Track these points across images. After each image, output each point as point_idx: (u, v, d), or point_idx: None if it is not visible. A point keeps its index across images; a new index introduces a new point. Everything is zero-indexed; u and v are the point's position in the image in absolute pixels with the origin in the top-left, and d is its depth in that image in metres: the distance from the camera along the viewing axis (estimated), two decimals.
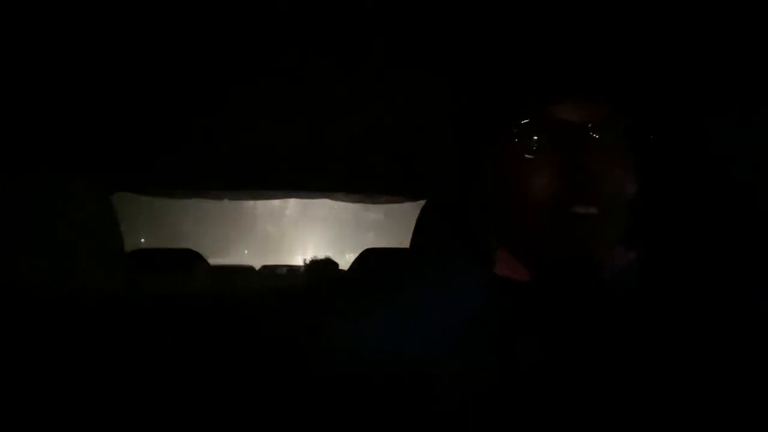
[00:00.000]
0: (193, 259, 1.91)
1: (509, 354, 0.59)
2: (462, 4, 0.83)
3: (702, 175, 0.92)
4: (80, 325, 0.89)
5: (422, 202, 1.48)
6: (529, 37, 0.71)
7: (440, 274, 0.70)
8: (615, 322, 0.60)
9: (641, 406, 0.56)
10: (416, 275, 0.74)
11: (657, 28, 0.85)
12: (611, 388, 0.57)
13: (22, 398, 0.76)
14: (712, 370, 0.57)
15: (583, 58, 0.64)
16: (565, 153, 0.61)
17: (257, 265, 3.98)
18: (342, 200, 2.22)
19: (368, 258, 1.94)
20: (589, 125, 0.61)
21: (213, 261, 2.27)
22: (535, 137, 0.62)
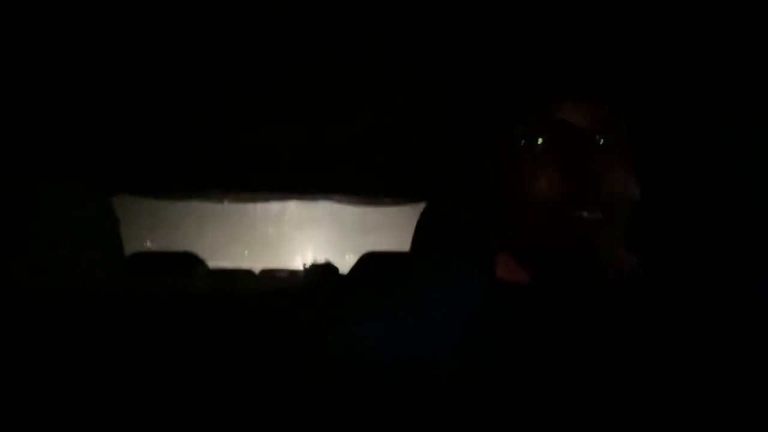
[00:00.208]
0: (192, 261, 1.91)
1: (510, 357, 0.59)
2: (462, 4, 0.83)
3: (702, 176, 0.92)
4: (80, 326, 0.89)
5: (422, 205, 1.48)
6: (530, 38, 0.71)
7: (440, 276, 0.70)
8: (616, 324, 0.60)
9: (642, 407, 0.56)
10: (416, 278, 0.74)
11: (658, 29, 0.85)
12: (612, 390, 0.57)
13: (22, 398, 0.76)
14: (712, 371, 0.57)
15: (584, 60, 0.64)
16: (566, 155, 0.61)
17: (257, 269, 3.98)
18: (342, 203, 2.22)
19: (368, 261, 1.94)
20: (591, 127, 0.61)
21: (212, 264, 2.26)
22: (536, 139, 0.62)
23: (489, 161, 0.68)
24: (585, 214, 0.59)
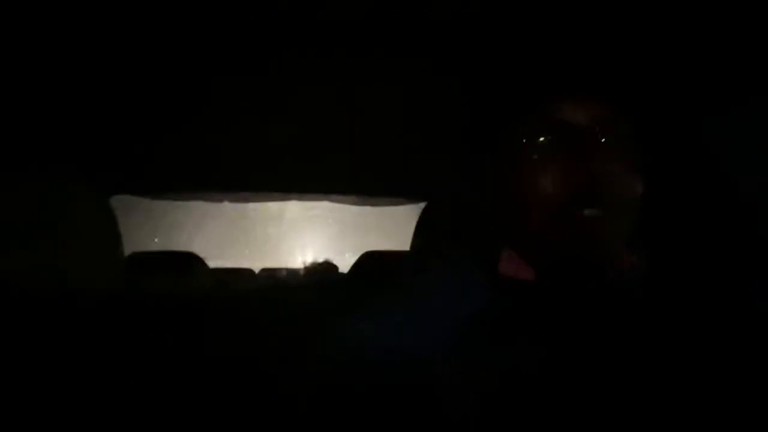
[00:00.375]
0: (192, 261, 1.91)
1: (511, 355, 0.59)
2: (464, 3, 0.83)
3: (704, 176, 0.92)
4: (80, 327, 0.89)
5: (423, 204, 1.48)
6: (533, 38, 0.71)
7: (441, 276, 0.70)
8: (618, 323, 0.60)
9: (643, 405, 0.56)
10: (417, 277, 0.74)
11: (661, 30, 0.85)
12: (613, 389, 0.57)
13: (21, 398, 0.76)
14: (713, 370, 0.57)
15: (586, 59, 0.64)
16: (569, 154, 0.61)
17: (257, 268, 3.98)
18: (342, 202, 2.21)
19: (368, 261, 1.94)
20: (592, 126, 0.61)
21: (213, 263, 2.26)
22: (539, 138, 0.62)
23: (491, 160, 0.68)
24: (587, 212, 0.60)
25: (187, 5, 0.83)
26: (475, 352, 0.60)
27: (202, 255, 1.97)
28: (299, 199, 2.31)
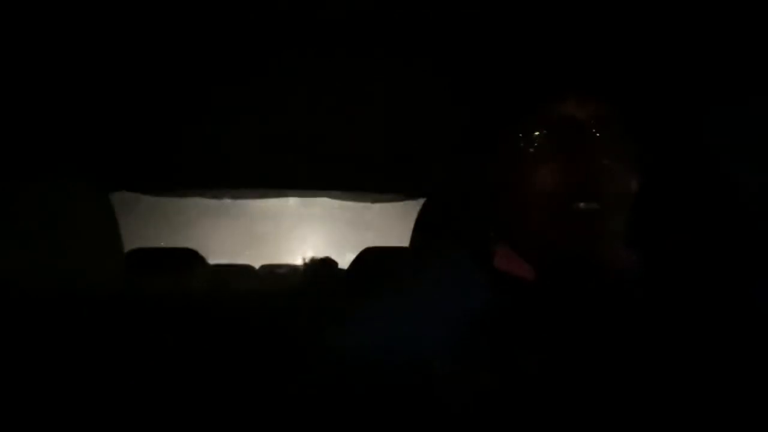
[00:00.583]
0: (192, 258, 1.91)
1: (510, 353, 0.59)
2: (463, 2, 0.83)
3: (703, 174, 0.92)
4: (80, 324, 0.89)
5: (422, 201, 1.48)
6: (530, 35, 0.71)
7: (440, 272, 0.70)
8: (618, 322, 0.60)
9: (642, 405, 0.56)
10: (416, 274, 0.74)
11: (658, 26, 0.85)
12: (613, 388, 0.57)
13: (21, 397, 0.76)
14: (712, 370, 0.57)
15: (584, 56, 0.64)
16: (566, 149, 0.61)
17: (257, 265, 3.97)
18: (342, 199, 2.22)
19: (368, 257, 1.94)
20: (591, 122, 0.61)
21: (212, 260, 2.26)
22: (537, 134, 0.63)
23: (490, 159, 0.68)
24: (586, 209, 0.60)
25: (188, 5, 0.83)
26: (474, 350, 0.60)
27: (202, 251, 1.97)
28: (300, 195, 2.31)
